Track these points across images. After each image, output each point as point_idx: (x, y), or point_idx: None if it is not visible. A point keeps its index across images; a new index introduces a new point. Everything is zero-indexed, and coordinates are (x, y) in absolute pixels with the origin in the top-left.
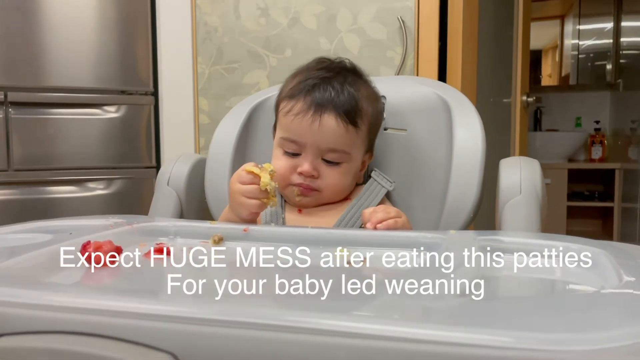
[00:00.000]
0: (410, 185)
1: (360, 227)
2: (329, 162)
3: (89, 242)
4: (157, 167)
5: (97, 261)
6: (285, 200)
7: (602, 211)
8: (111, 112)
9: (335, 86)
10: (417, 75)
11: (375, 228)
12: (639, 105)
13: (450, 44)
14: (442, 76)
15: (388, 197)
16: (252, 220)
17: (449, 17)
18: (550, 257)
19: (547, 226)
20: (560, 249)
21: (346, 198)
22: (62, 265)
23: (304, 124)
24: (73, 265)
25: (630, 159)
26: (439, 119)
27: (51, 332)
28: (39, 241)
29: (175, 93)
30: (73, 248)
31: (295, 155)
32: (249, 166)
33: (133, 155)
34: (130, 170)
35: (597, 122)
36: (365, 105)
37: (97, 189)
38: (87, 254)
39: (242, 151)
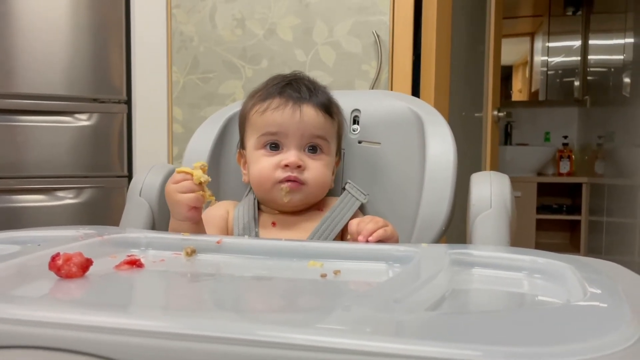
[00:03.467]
0: (384, 198)
1: (348, 239)
2: (311, 153)
3: (58, 254)
4: (129, 176)
5: (67, 274)
6: (258, 214)
7: (570, 224)
8: (83, 120)
9: (307, 84)
10: (392, 89)
11: (367, 241)
12: (605, 121)
13: (424, 59)
14: (415, 90)
15: (361, 209)
16: (194, 220)
17: (422, 33)
18: (518, 270)
19: (517, 238)
20: (528, 262)
21: (320, 209)
22: (30, 277)
23: (285, 115)
24: (41, 278)
25: (597, 174)
26: (412, 133)
27: (18, 347)
28: (7, 252)
29: (148, 102)
30: (41, 260)
31: (276, 151)
32: (179, 168)
33: (104, 164)
34: (101, 180)
35: (565, 137)
36: (336, 108)
37: (67, 198)
38: (56, 266)
39: (217, 162)
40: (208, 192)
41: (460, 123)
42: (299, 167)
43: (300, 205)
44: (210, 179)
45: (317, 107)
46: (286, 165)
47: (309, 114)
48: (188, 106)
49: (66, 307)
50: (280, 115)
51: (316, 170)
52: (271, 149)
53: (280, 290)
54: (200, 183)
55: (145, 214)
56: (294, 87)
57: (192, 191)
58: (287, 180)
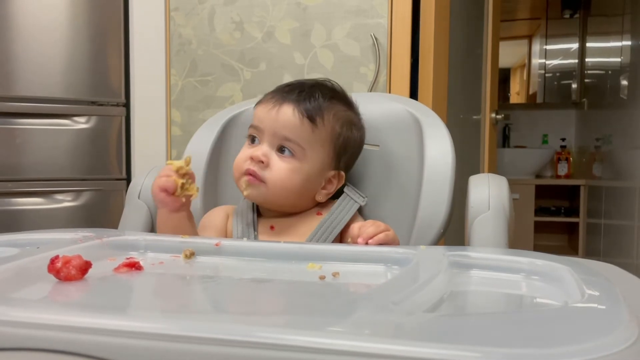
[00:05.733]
0: (382, 201)
1: (347, 242)
2: (281, 154)
3: (57, 257)
4: (128, 179)
5: (66, 276)
6: (257, 217)
7: (568, 226)
8: (81, 123)
9: (307, 89)
10: (390, 91)
11: (366, 243)
12: (602, 123)
13: (422, 61)
14: (414, 93)
15: (360, 212)
16: (164, 204)
17: (420, 36)
18: (516, 272)
19: (515, 240)
20: (526, 264)
21: (318, 212)
22: (29, 280)
23: (264, 110)
24: (40, 280)
25: (595, 176)
26: (411, 135)
27: (17, 349)
28: (5, 255)
29: (147, 104)
30: (41, 262)
31: (253, 145)
32: (168, 161)
33: (103, 167)
34: (99, 182)
35: (563, 139)
36: (333, 119)
37: (65, 201)
38: (55, 268)
39: (216, 164)
40: (193, 186)
41: (459, 125)
42: (261, 162)
43: (262, 203)
44: (190, 170)
45: (297, 109)
46: (251, 158)
47: (285, 113)
48: (186, 109)
49: (65, 309)
50: (261, 110)
51: (278, 171)
52: (252, 142)
53: (279, 292)
54: (178, 170)
55: (144, 216)
56: (293, 86)
57: (168, 175)
58: (247, 173)
